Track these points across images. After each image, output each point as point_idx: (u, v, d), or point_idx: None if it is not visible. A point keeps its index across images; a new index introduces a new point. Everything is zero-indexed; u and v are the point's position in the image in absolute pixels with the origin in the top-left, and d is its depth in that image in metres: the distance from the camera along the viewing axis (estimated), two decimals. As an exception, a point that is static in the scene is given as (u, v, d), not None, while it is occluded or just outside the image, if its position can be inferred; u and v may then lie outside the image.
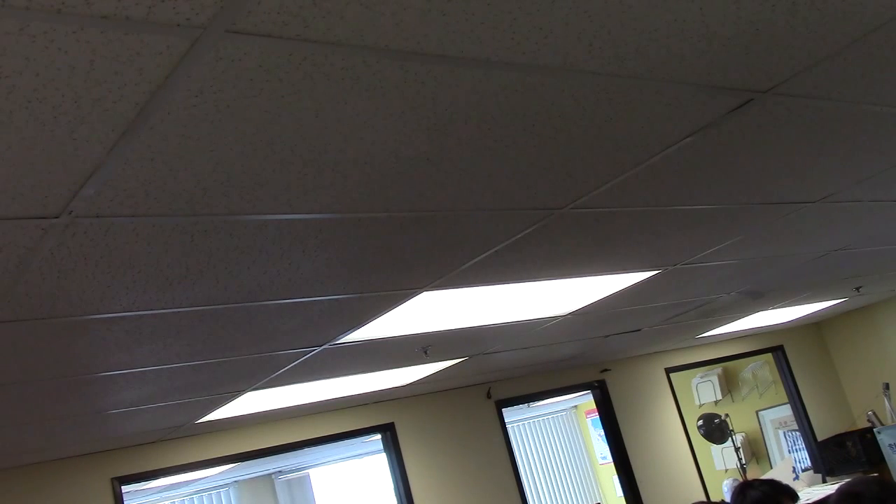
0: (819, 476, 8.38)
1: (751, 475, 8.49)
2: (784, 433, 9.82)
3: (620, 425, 7.24)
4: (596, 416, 8.24)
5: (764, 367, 9.77)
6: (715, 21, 1.59)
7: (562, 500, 11.19)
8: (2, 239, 1.74)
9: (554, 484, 11.25)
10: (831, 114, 2.31)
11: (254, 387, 4.09)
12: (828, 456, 8.25)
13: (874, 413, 8.30)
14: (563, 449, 11.44)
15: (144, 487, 7.62)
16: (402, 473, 6.07)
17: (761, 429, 9.90)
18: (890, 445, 7.90)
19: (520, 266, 3.05)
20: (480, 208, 2.31)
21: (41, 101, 1.29)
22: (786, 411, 9.32)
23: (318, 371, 4.09)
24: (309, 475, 10.48)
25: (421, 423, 6.26)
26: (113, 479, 5.01)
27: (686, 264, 3.81)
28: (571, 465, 11.43)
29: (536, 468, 11.22)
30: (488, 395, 6.63)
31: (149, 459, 5.17)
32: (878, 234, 4.30)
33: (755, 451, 9.80)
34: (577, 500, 11.24)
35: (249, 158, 1.65)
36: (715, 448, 9.29)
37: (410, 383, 5.44)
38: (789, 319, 7.68)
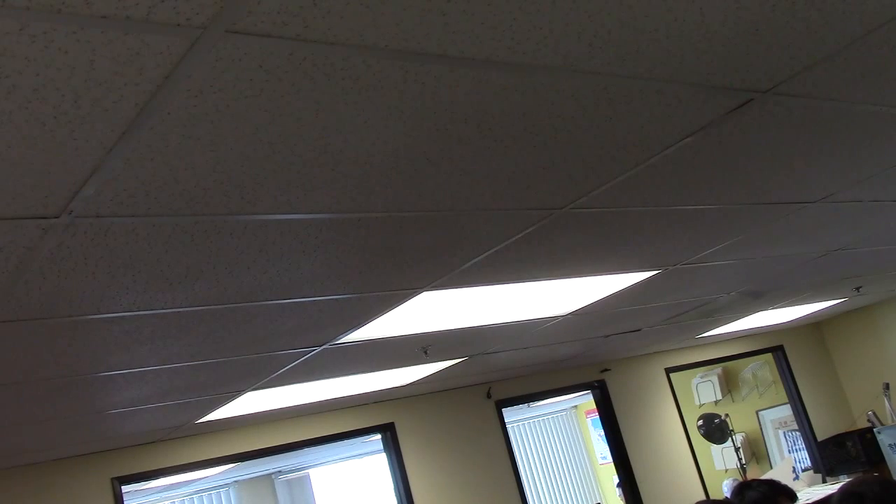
0: (819, 476, 8.38)
1: (751, 475, 8.49)
2: (784, 433, 9.81)
3: (620, 425, 7.24)
4: (596, 416, 8.24)
5: (764, 367, 9.77)
6: (715, 21, 1.59)
7: (562, 500, 11.19)
8: (2, 239, 1.74)
9: (554, 484, 11.25)
10: (831, 114, 2.31)
11: (254, 387, 4.09)
12: (828, 456, 8.25)
13: (874, 413, 8.30)
14: (563, 449, 11.44)
15: (144, 487, 7.62)
16: (402, 473, 6.06)
17: (761, 429, 9.90)
18: (890, 445, 7.90)
19: (520, 266, 3.05)
20: (480, 208, 2.31)
21: (41, 101, 1.29)
22: (786, 411, 9.32)
23: (318, 371, 4.09)
24: (309, 475, 10.49)
25: (421, 423, 6.26)
26: (113, 479, 5.01)
27: (686, 264, 3.80)
28: (571, 465, 11.43)
29: (536, 468, 11.22)
30: (488, 395, 6.63)
31: (149, 459, 5.17)
32: (878, 234, 4.30)
33: (755, 451, 9.80)
34: (577, 500, 11.24)
35: (249, 158, 1.65)
36: (715, 448, 9.29)
37: (410, 383, 5.44)
38: (789, 319, 7.68)
